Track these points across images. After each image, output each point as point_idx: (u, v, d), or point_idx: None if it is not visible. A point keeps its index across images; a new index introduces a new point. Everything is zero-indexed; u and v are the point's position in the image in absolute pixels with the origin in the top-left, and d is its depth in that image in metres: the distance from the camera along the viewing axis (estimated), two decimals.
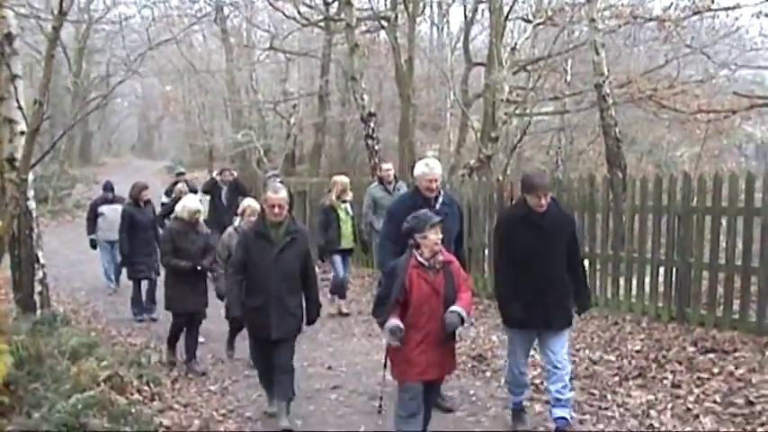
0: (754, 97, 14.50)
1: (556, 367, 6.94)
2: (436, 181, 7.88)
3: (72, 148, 40.45)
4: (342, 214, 12.80)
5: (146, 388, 8.18)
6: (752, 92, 17.04)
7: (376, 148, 17.11)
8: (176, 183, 16.40)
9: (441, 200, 7.93)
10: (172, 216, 10.53)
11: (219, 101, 34.48)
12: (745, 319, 9.25)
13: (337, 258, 12.92)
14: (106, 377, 7.25)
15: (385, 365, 6.50)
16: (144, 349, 10.01)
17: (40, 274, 9.83)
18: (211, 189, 15.83)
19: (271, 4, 25.07)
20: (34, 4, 17.90)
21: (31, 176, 9.25)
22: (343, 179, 13.24)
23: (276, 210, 7.45)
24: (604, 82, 12.67)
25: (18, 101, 8.99)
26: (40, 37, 29.18)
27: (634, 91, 16.68)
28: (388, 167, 13.64)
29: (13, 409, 6.03)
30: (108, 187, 15.64)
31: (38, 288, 9.77)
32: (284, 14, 25.07)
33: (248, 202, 9.80)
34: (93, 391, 6.45)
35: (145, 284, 13.16)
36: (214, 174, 17.25)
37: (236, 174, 16.81)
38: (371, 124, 16.99)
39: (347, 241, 12.90)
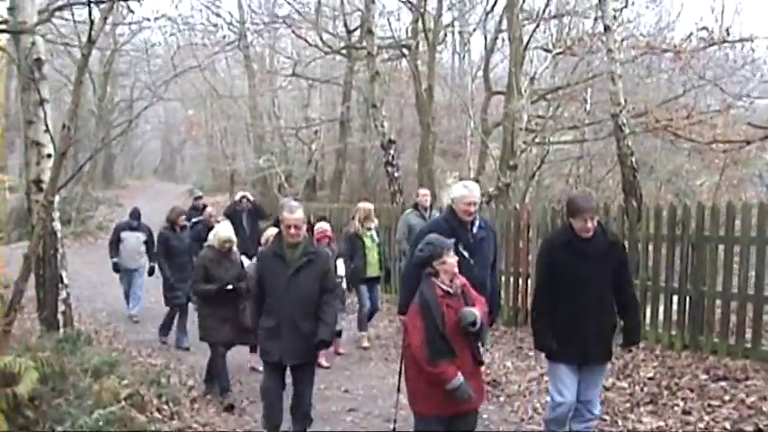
0: None
1: (586, 408, 6.78)
2: (475, 204, 7.60)
3: (95, 170, 40.77)
4: (367, 242, 12.50)
5: (165, 407, 8.34)
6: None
7: (396, 175, 17.29)
8: (194, 207, 16.73)
9: (477, 223, 7.71)
10: (205, 244, 10.25)
11: (242, 126, 34.75)
12: (757, 348, 9.25)
13: (364, 289, 12.56)
14: (127, 395, 7.39)
15: (399, 389, 6.49)
16: (164, 369, 10.16)
17: (63, 294, 10.03)
18: (232, 215, 15.74)
19: (293, 32, 25.46)
20: (62, 29, 18.17)
21: (56, 198, 9.47)
22: (367, 205, 13.02)
23: (292, 230, 7.30)
24: (621, 112, 12.77)
25: (46, 124, 9.23)
26: (67, 60, 29.62)
27: (650, 120, 16.79)
28: (425, 193, 13.49)
29: (38, 424, 6.19)
30: (135, 214, 15.41)
31: (61, 308, 9.97)
32: (307, 42, 25.43)
33: (270, 231, 9.71)
34: (115, 408, 6.62)
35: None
36: (236, 198, 17.10)
37: (253, 199, 16.80)
38: (391, 151, 17.18)
39: (373, 269, 12.53)
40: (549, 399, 7.05)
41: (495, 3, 23.48)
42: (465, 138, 25.22)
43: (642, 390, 8.77)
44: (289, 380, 7.62)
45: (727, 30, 16.47)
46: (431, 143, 22.06)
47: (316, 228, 11.47)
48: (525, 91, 17.81)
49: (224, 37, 28.64)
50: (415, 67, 21.49)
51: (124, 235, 14.93)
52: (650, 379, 9.11)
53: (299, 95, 32.65)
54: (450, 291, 5.99)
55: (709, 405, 8.03)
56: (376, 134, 19.77)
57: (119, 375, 7.97)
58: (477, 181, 16.66)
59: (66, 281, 10.10)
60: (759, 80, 18.49)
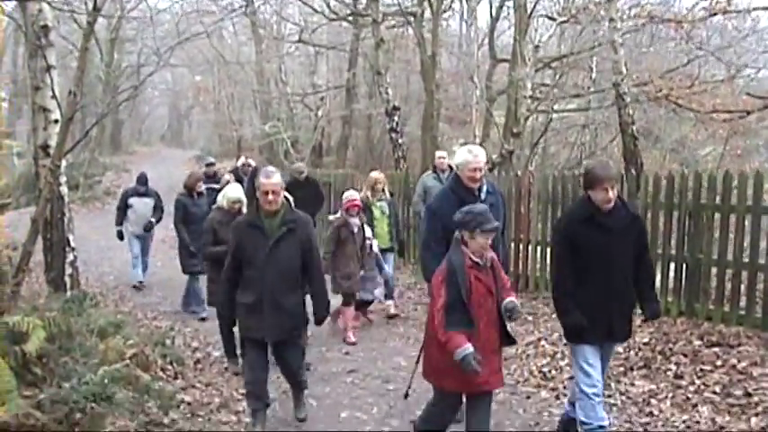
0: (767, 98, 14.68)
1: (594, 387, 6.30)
2: (480, 170, 7.10)
3: (103, 136, 40.88)
4: (376, 213, 12.15)
5: (169, 367, 8.55)
6: None
7: (399, 141, 17.44)
8: (206, 174, 15.95)
9: (485, 189, 7.25)
10: (214, 206, 10.22)
11: (249, 92, 34.87)
12: (751, 315, 9.34)
13: None
14: (132, 354, 7.61)
15: (418, 361, 6.27)
16: (168, 331, 10.33)
17: (70, 257, 10.24)
18: (237, 179, 15.36)
19: None
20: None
21: (63, 163, 9.62)
22: (377, 175, 12.64)
23: (270, 196, 6.70)
24: (622, 80, 12.87)
25: (53, 90, 9.37)
26: (73, 26, 29.67)
27: (651, 90, 16.86)
28: (442, 155, 13.34)
29: (45, 381, 6.37)
30: (142, 179, 15.05)
31: (68, 270, 10.19)
32: (313, 9, 25.46)
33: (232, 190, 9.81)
34: (119, 365, 6.83)
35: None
36: (238, 164, 17.08)
37: (254, 164, 16.58)
38: (396, 118, 17.32)
39: (382, 241, 12.09)
40: (576, 385, 6.51)
41: None
42: (471, 105, 25.33)
43: (637, 354, 8.92)
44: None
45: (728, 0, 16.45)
46: (435, 110, 22.11)
47: (344, 196, 11.20)
48: (529, 59, 17.86)
49: (231, 2, 28.69)
50: (421, 35, 21.50)
51: (132, 201, 14.75)
52: (645, 344, 9.24)
53: (306, 62, 32.76)
54: (480, 262, 5.79)
55: (701, 370, 8.17)
56: (380, 101, 19.82)
57: (124, 336, 8.19)
58: (482, 147, 16.69)
59: (73, 244, 10.29)
60: (762, 51, 18.43)
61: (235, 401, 8.11)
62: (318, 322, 7.28)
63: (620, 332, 6.45)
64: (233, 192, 9.76)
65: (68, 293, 9.79)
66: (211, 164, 17.65)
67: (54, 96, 9.52)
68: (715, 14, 17.06)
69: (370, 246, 11.30)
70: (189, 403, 7.65)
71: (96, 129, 33.23)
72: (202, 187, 13.27)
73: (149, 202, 14.80)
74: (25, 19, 9.80)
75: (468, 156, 7.10)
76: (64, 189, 10.16)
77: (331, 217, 12.00)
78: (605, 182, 6.08)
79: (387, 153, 27.17)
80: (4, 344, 6.21)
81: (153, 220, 14.84)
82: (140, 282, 14.94)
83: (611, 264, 6.20)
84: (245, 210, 9.62)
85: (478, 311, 5.70)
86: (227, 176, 14.49)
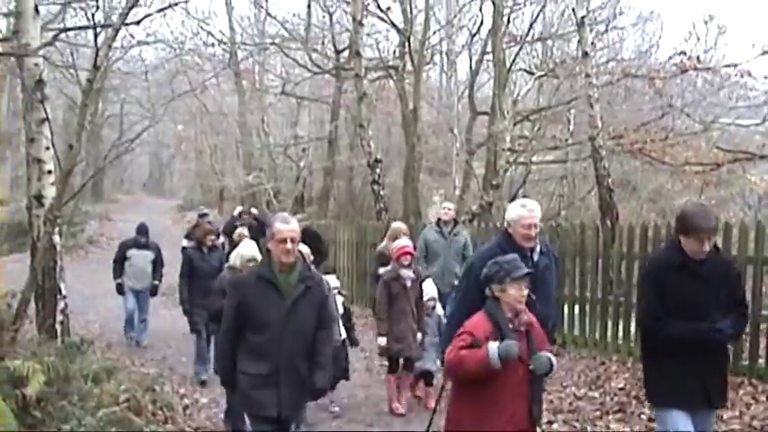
0: (737, 152, 15.25)
1: None
2: (536, 226, 6.29)
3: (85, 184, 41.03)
4: None
5: (159, 412, 8.68)
6: (757, 141, 17.82)
7: (381, 193, 17.75)
8: (197, 225, 15.19)
9: (538, 249, 6.43)
10: (226, 265, 9.33)
11: (231, 142, 35.26)
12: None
13: None
14: (125, 399, 7.83)
15: (435, 411, 5.89)
16: (157, 378, 10.52)
17: (62, 305, 10.35)
18: (231, 232, 13.72)
19: (284, 52, 25.97)
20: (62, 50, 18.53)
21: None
22: (401, 225, 11.93)
23: (289, 245, 5.68)
24: (598, 134, 13.30)
25: (52, 143, 9.67)
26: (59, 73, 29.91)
27: (625, 143, 17.35)
28: (448, 207, 12.49)
29: (44, 423, 6.58)
30: (142, 230, 14.17)
31: (60, 317, 10.29)
32: (296, 62, 25.96)
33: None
34: (116, 409, 7.08)
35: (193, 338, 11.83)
36: (235, 213, 15.78)
37: (256, 212, 15.32)
38: (377, 170, 17.66)
39: None
40: None
41: (481, 25, 24.03)
42: (451, 156, 25.74)
43: (612, 399, 9.18)
44: None
45: (697, 57, 17.03)
46: (416, 162, 22.51)
47: (395, 244, 9.95)
48: (508, 112, 18.28)
49: (214, 55, 29.13)
50: (402, 88, 21.95)
51: (131, 253, 13.94)
52: (620, 389, 9.51)
53: (289, 113, 33.10)
54: (511, 327, 5.05)
55: None
56: (362, 153, 20.18)
57: (117, 381, 8.41)
58: (462, 199, 17.03)
59: (64, 292, 10.45)
60: (729, 106, 18.93)
61: None
62: (317, 397, 6.45)
63: (717, 395, 5.64)
64: (248, 250, 8.65)
65: (58, 340, 9.90)
66: (204, 214, 16.73)
67: (49, 148, 9.79)
68: (686, 71, 17.58)
69: (432, 306, 9.85)
70: None
71: (79, 177, 33.36)
72: (217, 240, 12.35)
73: (149, 255, 14.02)
74: (23, 73, 10.11)
75: (521, 211, 6.31)
76: (56, 238, 10.36)
77: (381, 270, 10.76)
78: (702, 233, 5.36)
79: (368, 204, 27.49)
80: (5, 387, 6.44)
81: (156, 282, 14.15)
82: (137, 343, 14.02)
83: (706, 317, 5.42)
84: None
85: (505, 382, 4.94)
86: (241, 230, 12.34)
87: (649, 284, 5.71)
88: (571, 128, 22.62)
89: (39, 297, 10.29)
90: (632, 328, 11.01)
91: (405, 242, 9.85)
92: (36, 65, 9.94)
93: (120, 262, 14.06)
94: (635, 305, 10.75)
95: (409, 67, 22.91)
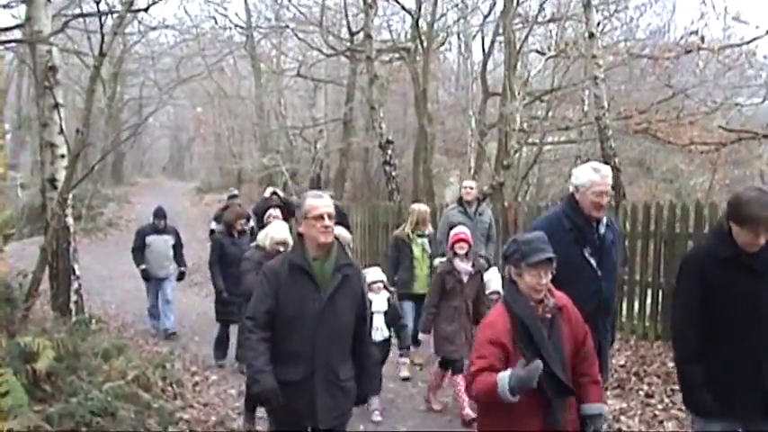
0: (741, 131, 15.26)
1: None
2: (607, 194, 5.67)
3: (105, 168, 41.23)
4: (416, 250, 10.73)
5: (169, 388, 8.96)
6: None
7: (393, 174, 17.87)
8: (227, 207, 14.34)
9: (604, 221, 5.78)
10: (252, 244, 8.86)
11: (248, 125, 35.36)
12: None
13: (408, 306, 10.46)
14: (134, 375, 8.06)
15: None
16: (168, 355, 10.76)
17: (75, 285, 10.64)
18: (262, 213, 11.67)
19: (297, 36, 26.12)
20: (72, 34, 18.77)
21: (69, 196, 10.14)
22: (422, 207, 11.25)
23: (327, 221, 5.02)
24: (604, 115, 13.39)
25: (61, 127, 9.90)
26: (76, 61, 30.22)
27: (631, 123, 17.47)
28: (470, 185, 11.45)
29: (53, 397, 6.84)
30: (159, 214, 13.59)
31: (73, 297, 10.57)
32: (310, 46, 26.12)
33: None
34: (123, 383, 7.32)
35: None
36: (266, 194, 13.95)
37: (282, 194, 13.88)
38: (389, 151, 17.78)
39: (421, 285, 10.54)
40: None
41: (494, 6, 24.09)
42: (466, 137, 25.85)
43: (612, 376, 9.24)
44: None
45: (702, 38, 17.02)
46: (429, 143, 22.62)
47: (454, 231, 8.85)
48: (519, 93, 18.37)
49: (231, 38, 29.32)
50: (414, 70, 22.07)
51: (150, 239, 13.35)
52: (621, 366, 9.67)
53: (305, 95, 33.21)
54: (536, 314, 4.45)
55: (671, 389, 8.58)
56: (374, 135, 20.33)
57: (127, 358, 8.66)
58: (475, 179, 17.11)
59: (78, 272, 10.71)
60: (731, 87, 18.91)
61: (231, 420, 8.55)
62: (362, 401, 5.65)
63: None
64: (279, 231, 8.03)
65: (73, 318, 10.14)
66: (234, 196, 15.73)
67: (61, 132, 10.03)
68: (690, 51, 17.62)
69: (496, 299, 8.10)
70: (188, 421, 8.09)
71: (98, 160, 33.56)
72: (247, 224, 11.75)
73: (169, 239, 13.49)
74: (34, 60, 10.33)
75: (593, 175, 5.62)
76: (69, 220, 10.57)
77: (437, 261, 9.93)
78: (761, 225, 4.61)
79: (383, 185, 27.70)
80: (16, 362, 6.69)
81: (183, 269, 13.82)
82: (166, 330, 13.33)
83: (760, 317, 4.70)
84: None
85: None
86: (273, 210, 10.96)
87: (691, 286, 4.87)
88: (586, 108, 22.64)
89: (53, 277, 10.56)
90: (636, 306, 11.18)
91: (461, 228, 8.88)
92: (48, 51, 10.18)
93: (140, 249, 13.41)
94: (638, 282, 11.01)
95: (421, 50, 23.03)
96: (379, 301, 8.29)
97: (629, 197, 15.61)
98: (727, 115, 18.96)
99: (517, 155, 19.94)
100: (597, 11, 16.68)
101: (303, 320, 4.96)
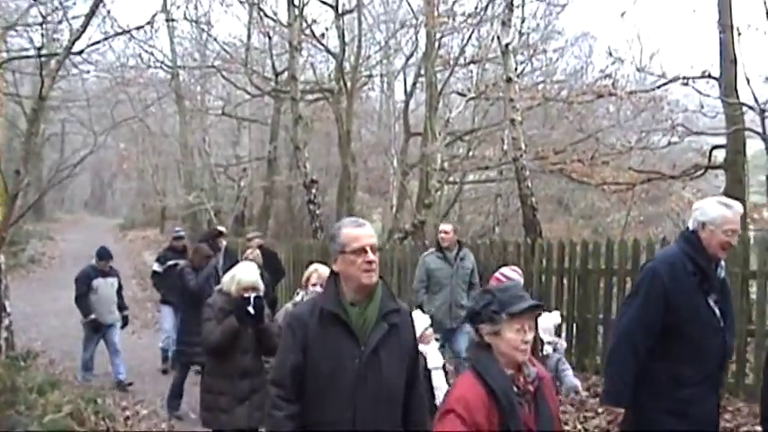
0: (649, 172, 16.11)
1: None
2: (737, 232, 4.87)
3: (26, 203, 40.76)
4: None
5: (102, 423, 9.13)
6: (689, 158, 18.74)
7: (317, 212, 18.24)
8: (170, 248, 14.02)
9: (722, 263, 5.00)
10: (216, 288, 7.34)
11: (172, 162, 35.30)
12: None
13: None
14: (69, 411, 8.26)
15: None
16: (100, 391, 10.90)
17: (6, 322, 10.75)
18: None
19: (223, 76, 26.40)
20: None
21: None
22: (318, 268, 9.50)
23: (371, 256, 3.99)
24: (521, 156, 13.90)
25: None
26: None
27: (547, 164, 18.13)
28: (445, 229, 10.43)
29: None
30: (105, 255, 12.28)
31: (4, 334, 10.66)
32: (235, 86, 26.42)
33: (315, 267, 7.07)
34: (60, 416, 7.53)
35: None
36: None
37: (262, 242, 12.83)
38: (313, 190, 18.16)
39: None
40: None
41: (415, 50, 24.73)
42: (388, 176, 26.30)
43: None
44: None
45: (613, 82, 17.83)
46: (352, 182, 22.96)
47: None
48: (440, 133, 18.81)
49: (156, 74, 29.39)
50: (337, 111, 22.47)
51: (96, 283, 11.93)
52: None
53: (230, 133, 33.40)
54: (516, 389, 3.54)
55: (584, 417, 9.04)
56: (300, 173, 20.66)
57: (61, 392, 8.84)
58: (396, 218, 17.48)
59: (8, 309, 10.84)
60: (641, 129, 19.66)
61: None
62: None
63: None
64: (247, 274, 6.81)
65: (2, 357, 10.15)
66: (180, 237, 14.53)
67: None
68: (601, 96, 18.34)
69: (546, 347, 7.29)
70: None
71: (19, 196, 33.10)
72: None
73: (114, 282, 12.28)
74: None
75: (725, 211, 4.78)
76: (1, 258, 10.73)
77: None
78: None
79: (307, 223, 27.94)
80: None
81: (126, 313, 12.63)
82: (120, 382, 12.10)
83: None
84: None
85: None
86: (250, 252, 10.75)
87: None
88: (505, 147, 23.22)
89: None
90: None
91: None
92: None
93: (85, 296, 11.90)
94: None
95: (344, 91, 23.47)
96: (433, 356, 6.47)
97: (548, 234, 16.20)
98: (642, 154, 19.72)
99: (438, 193, 20.41)
100: (515, 55, 17.31)
101: (339, 382, 3.98)
